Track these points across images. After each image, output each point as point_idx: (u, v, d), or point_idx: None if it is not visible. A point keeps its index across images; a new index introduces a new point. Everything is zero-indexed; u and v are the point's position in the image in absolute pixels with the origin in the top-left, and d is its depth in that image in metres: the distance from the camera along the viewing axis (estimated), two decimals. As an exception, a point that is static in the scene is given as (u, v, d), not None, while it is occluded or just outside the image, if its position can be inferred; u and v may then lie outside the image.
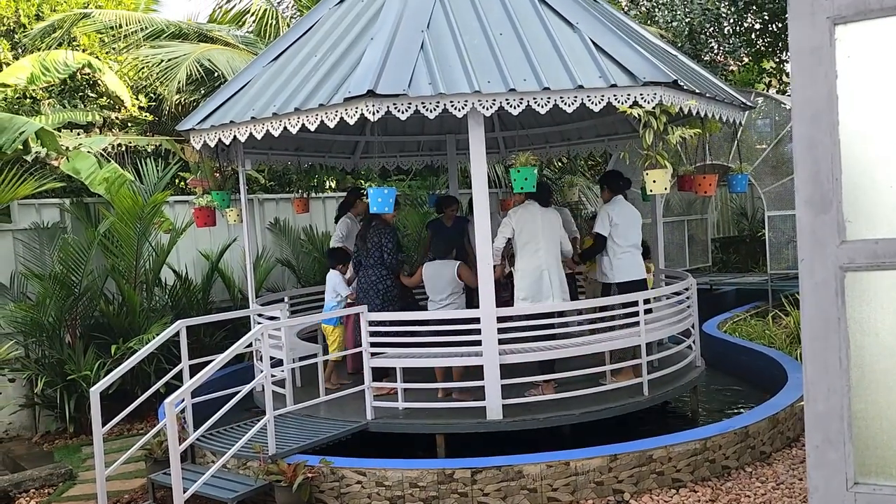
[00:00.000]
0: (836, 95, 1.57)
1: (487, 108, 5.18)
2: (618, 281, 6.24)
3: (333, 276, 6.77)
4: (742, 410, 6.24)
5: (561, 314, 5.94)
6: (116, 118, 10.03)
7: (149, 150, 9.38)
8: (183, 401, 5.76)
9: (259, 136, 5.70)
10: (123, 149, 9.24)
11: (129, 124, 10.18)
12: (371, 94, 4.96)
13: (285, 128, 5.50)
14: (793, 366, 6.77)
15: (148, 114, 10.36)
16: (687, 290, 6.65)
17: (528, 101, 5.16)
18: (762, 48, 14.69)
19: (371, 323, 5.81)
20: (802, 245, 1.58)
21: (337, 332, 6.68)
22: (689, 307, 6.64)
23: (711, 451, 5.13)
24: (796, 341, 7.68)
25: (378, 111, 5.05)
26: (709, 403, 7.04)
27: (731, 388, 7.49)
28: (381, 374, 5.98)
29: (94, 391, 5.23)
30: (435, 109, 5.14)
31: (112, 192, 7.49)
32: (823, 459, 1.60)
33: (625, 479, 4.89)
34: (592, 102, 5.20)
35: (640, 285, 6.22)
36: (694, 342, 6.73)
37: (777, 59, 15.37)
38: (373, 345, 5.78)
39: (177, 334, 5.97)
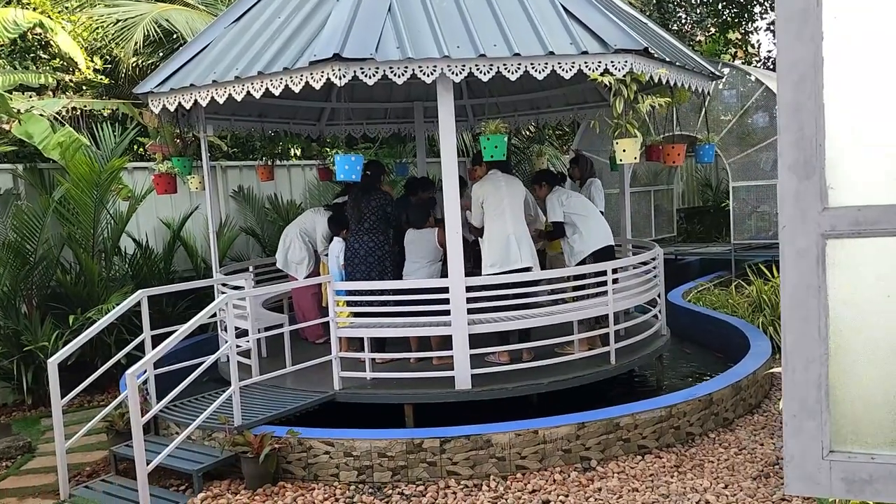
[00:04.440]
0: (821, 58, 1.52)
1: (457, 74, 5.07)
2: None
3: (339, 244, 6.62)
4: (706, 378, 6.33)
5: (534, 284, 5.91)
6: (70, 81, 9.66)
7: (105, 114, 9.06)
8: (145, 372, 5.64)
9: (221, 101, 5.53)
10: (78, 113, 8.92)
11: (84, 87, 9.82)
12: (337, 57, 4.82)
13: (248, 92, 5.34)
14: (755, 334, 6.89)
15: (103, 77, 10.00)
16: (654, 259, 6.69)
17: (499, 68, 5.07)
18: (728, 18, 14.75)
19: (352, 292, 5.75)
20: (784, 212, 1.55)
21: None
22: (655, 277, 6.69)
23: (676, 418, 5.20)
24: (758, 310, 7.82)
25: (344, 76, 4.92)
26: (674, 371, 7.14)
27: (696, 356, 7.61)
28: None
29: (52, 362, 5.09)
30: (403, 75, 5.02)
31: (67, 157, 7.23)
32: (800, 428, 1.58)
33: (592, 446, 4.93)
34: (563, 69, 5.13)
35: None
36: (660, 311, 6.80)
37: (743, 31, 15.45)
38: (359, 314, 5.81)
39: (138, 304, 5.82)
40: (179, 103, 5.82)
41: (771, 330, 7.35)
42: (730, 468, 4.74)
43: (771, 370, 6.32)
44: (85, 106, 8.88)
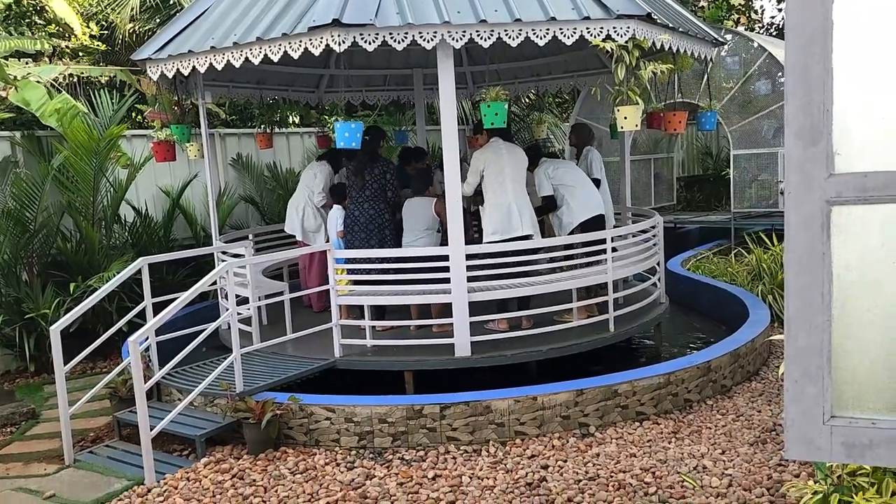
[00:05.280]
0: (831, 21, 1.50)
1: (457, 40, 5.01)
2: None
3: (338, 212, 6.62)
4: (705, 346, 6.37)
5: (534, 252, 5.92)
6: (67, 47, 9.55)
7: (102, 81, 8.97)
8: (147, 339, 5.67)
9: (219, 67, 5.47)
10: (75, 79, 8.83)
11: (81, 54, 9.71)
12: (336, 23, 4.76)
13: (247, 58, 5.28)
14: (754, 302, 6.92)
15: (100, 43, 9.89)
16: (654, 228, 6.68)
17: (500, 34, 5.01)
18: (732, -16, 14.53)
19: (352, 260, 5.74)
20: (790, 178, 1.54)
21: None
22: (655, 245, 6.68)
23: (674, 385, 5.24)
24: (758, 278, 7.84)
25: (344, 41, 4.86)
26: (672, 339, 7.17)
27: (694, 324, 7.64)
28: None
29: (55, 329, 5.11)
30: (403, 41, 4.96)
31: (64, 124, 7.17)
32: (801, 394, 1.60)
33: (590, 412, 4.98)
34: (565, 35, 5.07)
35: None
36: (659, 280, 6.81)
37: (747, -4, 15.23)
38: (359, 282, 5.82)
39: (138, 272, 5.83)
40: (178, 70, 5.76)
41: (770, 298, 7.38)
42: (727, 434, 4.80)
43: (770, 338, 6.36)
44: (82, 72, 8.79)
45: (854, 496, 2.97)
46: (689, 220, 11.89)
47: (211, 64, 5.48)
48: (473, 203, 6.45)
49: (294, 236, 7.34)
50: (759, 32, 15.40)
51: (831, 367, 1.55)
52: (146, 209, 8.43)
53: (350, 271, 5.98)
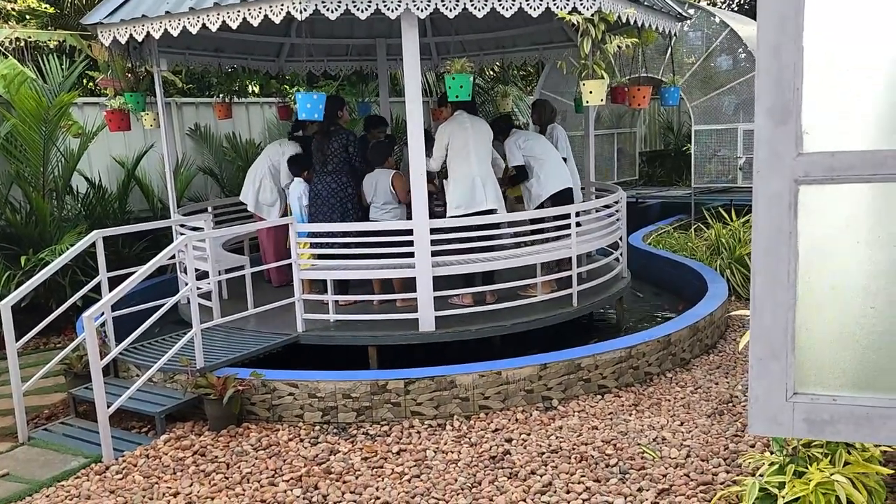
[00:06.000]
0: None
1: (422, 10, 4.92)
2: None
3: (300, 185, 6.50)
4: (665, 319, 6.47)
5: (497, 227, 5.91)
6: (12, 9, 9.14)
7: (51, 45, 8.63)
8: (102, 314, 5.53)
9: (175, 34, 5.29)
10: (22, 44, 8.48)
11: (28, 17, 9.31)
12: (298, -11, 4.63)
13: (204, 25, 5.11)
14: (712, 276, 7.04)
15: (48, 5, 9.48)
16: (617, 203, 6.72)
17: (465, 4, 4.93)
18: (696, -41, 14.54)
19: (314, 234, 5.68)
20: (759, 157, 1.53)
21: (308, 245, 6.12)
22: (618, 220, 6.73)
23: (636, 358, 5.32)
24: (716, 253, 7.97)
25: (305, 9, 4.74)
26: (633, 313, 7.27)
27: (656, 299, 7.75)
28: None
29: (5, 305, 4.94)
30: (366, 9, 4.86)
31: (11, 90, 6.89)
32: (766, 370, 1.61)
33: (554, 386, 5.03)
34: (531, 7, 5.02)
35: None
36: (621, 254, 6.87)
37: (709, -29, 15.28)
38: (321, 256, 5.77)
39: (93, 245, 5.67)
40: (131, 35, 5.55)
41: (728, 272, 7.51)
42: (685, 406, 4.89)
43: (728, 313, 6.48)
44: (29, 37, 8.44)
45: (809, 466, 3.05)
46: (650, 195, 12.01)
47: (166, 30, 5.30)
48: (437, 176, 6.40)
49: (253, 207, 7.20)
50: (721, 7, 15.51)
51: (795, 345, 1.57)
52: (100, 180, 8.19)
53: (312, 245, 5.91)
